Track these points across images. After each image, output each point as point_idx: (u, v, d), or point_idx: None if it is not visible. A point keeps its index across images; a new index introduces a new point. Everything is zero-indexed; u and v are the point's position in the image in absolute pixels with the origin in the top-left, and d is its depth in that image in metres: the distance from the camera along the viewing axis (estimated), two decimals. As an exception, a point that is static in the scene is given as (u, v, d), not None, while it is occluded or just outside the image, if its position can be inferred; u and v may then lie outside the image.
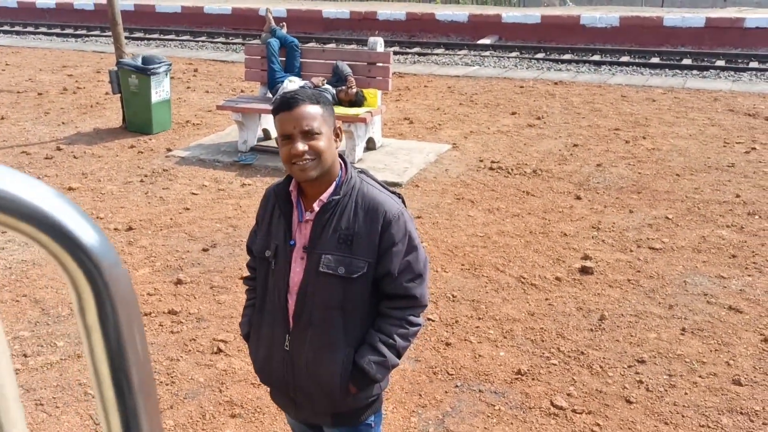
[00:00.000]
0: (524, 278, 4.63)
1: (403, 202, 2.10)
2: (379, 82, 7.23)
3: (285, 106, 1.94)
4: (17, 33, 17.45)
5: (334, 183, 2.00)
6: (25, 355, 3.84)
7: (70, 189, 6.38)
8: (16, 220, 0.36)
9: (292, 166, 1.93)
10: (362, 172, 2.10)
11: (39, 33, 17.33)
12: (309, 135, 1.92)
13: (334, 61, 7.34)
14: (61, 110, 9.40)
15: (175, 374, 3.69)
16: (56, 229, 0.37)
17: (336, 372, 2.00)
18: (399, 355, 2.05)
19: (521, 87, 10.33)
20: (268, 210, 2.10)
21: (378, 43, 7.42)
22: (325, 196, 1.98)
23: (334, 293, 1.97)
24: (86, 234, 0.38)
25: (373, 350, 2.01)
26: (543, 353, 3.82)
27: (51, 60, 13.44)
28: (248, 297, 2.26)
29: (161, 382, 3.64)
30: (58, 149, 7.59)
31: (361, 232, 1.96)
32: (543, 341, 3.93)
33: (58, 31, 17.57)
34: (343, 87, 7.02)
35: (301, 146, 1.90)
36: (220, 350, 3.87)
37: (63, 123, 8.74)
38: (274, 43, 7.49)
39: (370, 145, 7.31)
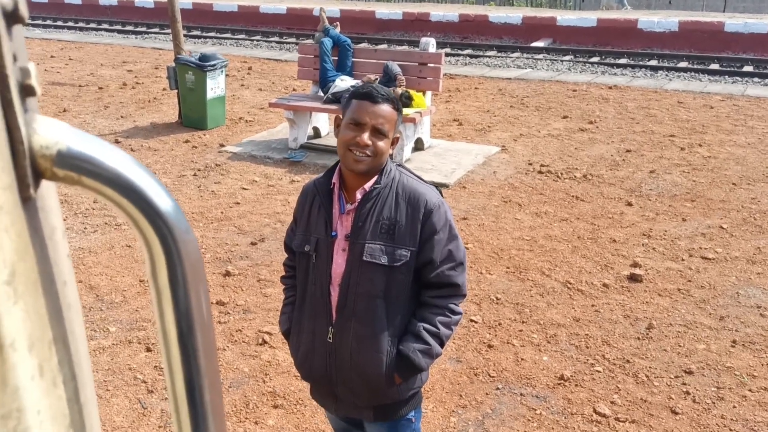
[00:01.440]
0: (570, 283, 4.58)
1: (441, 193, 2.14)
2: (430, 82, 7.24)
3: (370, 97, 2.01)
4: (81, 29, 18.07)
5: (376, 175, 2.06)
6: (79, 338, 3.99)
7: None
8: (102, 185, 0.40)
9: (348, 152, 1.99)
10: (399, 165, 2.15)
11: (101, 29, 17.91)
12: (377, 133, 1.99)
13: (386, 61, 7.39)
14: (120, 104, 9.70)
15: (221, 363, 3.77)
16: (136, 195, 0.41)
17: (381, 361, 2.02)
18: (442, 344, 2.08)
19: (574, 90, 10.18)
20: (307, 205, 2.14)
21: (430, 44, 7.44)
22: (367, 185, 2.03)
23: (377, 282, 2.00)
24: (162, 201, 0.42)
25: (417, 339, 2.03)
26: (587, 360, 3.77)
27: (112, 55, 13.88)
28: (287, 295, 2.29)
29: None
30: (117, 142, 7.83)
31: (402, 221, 2.00)
32: (588, 347, 3.88)
33: (119, 27, 18.15)
34: (393, 87, 7.05)
35: (368, 138, 1.97)
36: (265, 342, 3.95)
37: (122, 117, 9.02)
38: (327, 42, 7.58)
39: (419, 146, 7.32)
